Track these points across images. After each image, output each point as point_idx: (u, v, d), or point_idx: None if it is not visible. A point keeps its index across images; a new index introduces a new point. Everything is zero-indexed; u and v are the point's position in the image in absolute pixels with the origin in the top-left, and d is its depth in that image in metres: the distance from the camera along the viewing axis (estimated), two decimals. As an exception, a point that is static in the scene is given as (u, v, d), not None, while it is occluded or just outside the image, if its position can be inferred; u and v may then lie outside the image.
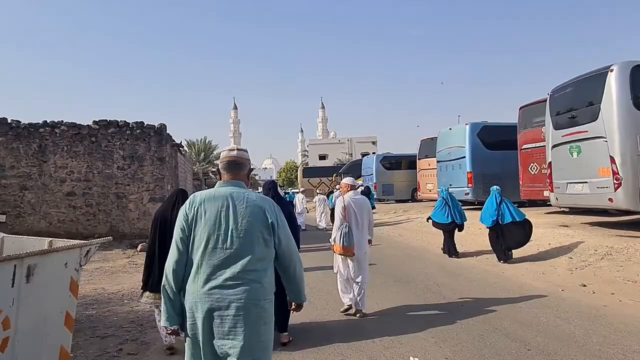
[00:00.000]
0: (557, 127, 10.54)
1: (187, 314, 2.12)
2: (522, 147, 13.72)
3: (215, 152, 49.02)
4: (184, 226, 2.16)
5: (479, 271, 7.52)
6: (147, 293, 4.22)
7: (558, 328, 4.49)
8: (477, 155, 16.23)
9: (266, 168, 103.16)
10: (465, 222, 9.28)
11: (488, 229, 8.36)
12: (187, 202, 2.23)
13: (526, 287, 6.19)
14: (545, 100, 12.42)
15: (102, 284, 7.45)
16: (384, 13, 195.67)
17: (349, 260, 5.19)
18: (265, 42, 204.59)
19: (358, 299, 5.14)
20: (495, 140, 16.44)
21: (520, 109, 14.06)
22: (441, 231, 9.38)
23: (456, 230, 9.20)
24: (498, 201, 8.17)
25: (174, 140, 13.95)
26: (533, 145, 13.25)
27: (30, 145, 11.19)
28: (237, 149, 2.37)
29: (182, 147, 15.18)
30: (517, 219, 7.97)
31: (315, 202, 17.99)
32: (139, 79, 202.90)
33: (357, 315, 5.12)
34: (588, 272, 6.77)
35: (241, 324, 2.07)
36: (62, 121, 11.34)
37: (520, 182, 13.85)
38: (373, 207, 17.99)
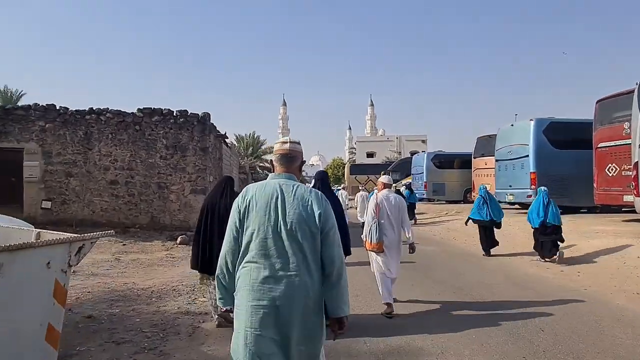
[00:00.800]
0: (647, 121, 9.10)
1: (238, 302, 2.14)
2: (598, 146, 12.18)
3: (263, 147, 49.30)
4: (236, 217, 2.19)
5: (553, 287, 6.40)
6: (200, 275, 4.70)
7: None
8: (543, 154, 14.76)
9: (313, 164, 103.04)
10: (502, 219, 9.38)
11: (534, 229, 8.47)
12: (241, 194, 2.26)
13: (623, 312, 5.06)
14: (628, 93, 10.92)
15: (134, 278, 7.05)
16: (434, 9, 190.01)
17: (380, 257, 5.28)
18: (314, 38, 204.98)
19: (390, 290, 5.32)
20: (563, 138, 14.90)
21: (597, 102, 12.51)
22: (478, 230, 9.54)
23: (496, 227, 9.37)
24: (546, 202, 8.29)
25: (218, 131, 13.58)
26: (612, 143, 11.71)
27: (77, 132, 11.13)
28: (290, 142, 2.37)
29: (227, 137, 14.81)
30: (556, 224, 8.18)
31: (356, 198, 17.37)
32: (189, 73, 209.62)
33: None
34: (697, 296, 5.52)
35: (291, 315, 2.07)
36: (108, 108, 11.22)
37: (595, 185, 12.31)
38: (414, 206, 17.47)
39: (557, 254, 8.17)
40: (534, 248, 8.57)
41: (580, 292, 5.96)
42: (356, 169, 44.40)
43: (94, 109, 11.21)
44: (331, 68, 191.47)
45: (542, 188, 8.73)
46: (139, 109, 11.23)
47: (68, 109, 11.22)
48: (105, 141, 11.17)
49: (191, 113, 11.41)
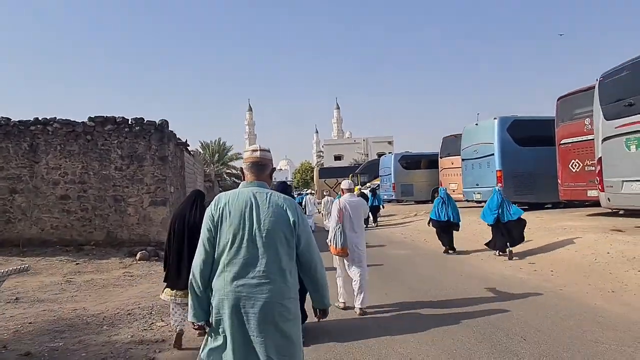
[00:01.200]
0: (609, 117, 9.21)
1: (213, 310, 2.15)
2: (561, 142, 12.36)
3: (230, 153, 48.42)
4: (210, 226, 2.19)
5: (529, 288, 6.22)
6: (167, 290, 4.44)
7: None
8: (508, 152, 14.94)
9: (281, 169, 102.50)
10: (460, 222, 9.74)
11: (490, 227, 8.87)
12: (213, 202, 2.26)
13: (602, 314, 4.90)
14: (588, 90, 11.10)
15: (85, 302, 6.42)
16: (398, 11, 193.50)
17: (345, 260, 5.46)
18: (278, 42, 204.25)
19: (358, 296, 5.31)
20: (527, 136, 15.16)
21: (558, 100, 12.71)
22: (437, 230, 9.93)
23: (454, 230, 9.74)
24: (499, 200, 8.67)
25: (179, 139, 12.95)
26: (574, 139, 11.90)
27: (21, 144, 10.24)
28: (260, 150, 2.37)
29: (188, 145, 14.16)
30: (515, 218, 8.54)
31: (322, 203, 17.31)
32: (151, 81, 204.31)
33: (358, 312, 5.26)
34: (671, 291, 5.46)
35: (266, 321, 2.08)
36: (55, 118, 10.38)
37: (559, 181, 12.47)
38: (382, 207, 18.21)
39: (508, 251, 8.58)
40: (489, 244, 8.98)
41: (557, 294, 5.81)
42: (325, 172, 44.23)
43: (40, 119, 10.37)
44: (296, 72, 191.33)
45: (496, 188, 9.31)
46: (90, 118, 10.46)
47: (10, 119, 10.32)
48: (54, 153, 10.33)
49: (148, 121, 10.74)
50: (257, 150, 2.36)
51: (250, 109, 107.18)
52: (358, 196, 6.07)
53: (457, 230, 9.77)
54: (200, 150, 48.68)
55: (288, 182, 7.87)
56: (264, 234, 2.14)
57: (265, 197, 2.22)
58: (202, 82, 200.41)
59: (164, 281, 4.56)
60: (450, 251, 9.66)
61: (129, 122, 10.66)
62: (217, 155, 47.61)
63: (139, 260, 9.74)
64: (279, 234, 2.16)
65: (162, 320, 5.36)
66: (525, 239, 8.74)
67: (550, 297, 5.62)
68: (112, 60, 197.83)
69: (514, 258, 8.41)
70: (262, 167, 2.33)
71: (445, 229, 9.72)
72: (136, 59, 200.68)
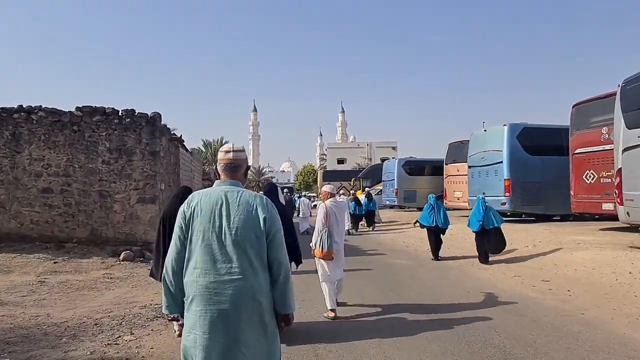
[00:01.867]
0: (631, 125, 8.56)
1: (186, 306, 2.19)
2: (575, 152, 11.71)
3: (231, 153, 47.97)
4: (182, 224, 2.24)
5: (546, 311, 5.57)
6: None
7: None
8: (517, 160, 14.31)
9: (284, 171, 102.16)
10: (448, 227, 9.97)
11: (475, 233, 9.16)
12: (186, 201, 2.30)
13: (634, 346, 4.24)
14: (607, 97, 10.48)
15: (52, 308, 5.80)
16: (404, 18, 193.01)
17: (328, 263, 5.45)
18: (285, 44, 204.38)
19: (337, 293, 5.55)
20: (537, 144, 14.54)
21: (573, 107, 12.08)
22: (428, 235, 10.12)
23: (441, 234, 9.97)
24: (484, 208, 8.98)
25: (173, 134, 12.36)
26: (589, 149, 11.26)
27: (2, 133, 9.62)
28: (233, 151, 2.38)
29: (183, 141, 13.55)
30: (497, 224, 8.99)
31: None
32: (154, 80, 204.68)
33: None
34: None
35: (239, 318, 2.10)
36: (41, 106, 9.78)
37: (572, 193, 11.81)
38: (373, 213, 17.86)
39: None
40: (477, 250, 9.22)
41: (578, 319, 5.14)
42: (329, 175, 43.78)
43: (24, 106, 9.79)
44: (302, 74, 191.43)
45: (481, 196, 9.54)
46: (77, 108, 9.86)
47: (-8, 106, 9.78)
48: (37, 143, 9.72)
49: (139, 113, 10.13)
50: (230, 152, 2.37)
51: (255, 110, 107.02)
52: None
53: (443, 234, 10.00)
54: (203, 148, 48.31)
55: (290, 185, 7.71)
56: (233, 231, 2.15)
57: (236, 196, 2.23)
58: (207, 81, 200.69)
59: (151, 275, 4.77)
60: (438, 258, 9.79)
61: (119, 114, 10.07)
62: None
63: (122, 260, 9.13)
64: (249, 232, 2.17)
65: (131, 334, 4.76)
66: (506, 246, 9.23)
67: (571, 323, 4.95)
68: (112, 59, 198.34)
69: (492, 264, 8.72)
70: (235, 168, 2.35)
71: (434, 232, 9.90)
72: (136, 57, 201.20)
